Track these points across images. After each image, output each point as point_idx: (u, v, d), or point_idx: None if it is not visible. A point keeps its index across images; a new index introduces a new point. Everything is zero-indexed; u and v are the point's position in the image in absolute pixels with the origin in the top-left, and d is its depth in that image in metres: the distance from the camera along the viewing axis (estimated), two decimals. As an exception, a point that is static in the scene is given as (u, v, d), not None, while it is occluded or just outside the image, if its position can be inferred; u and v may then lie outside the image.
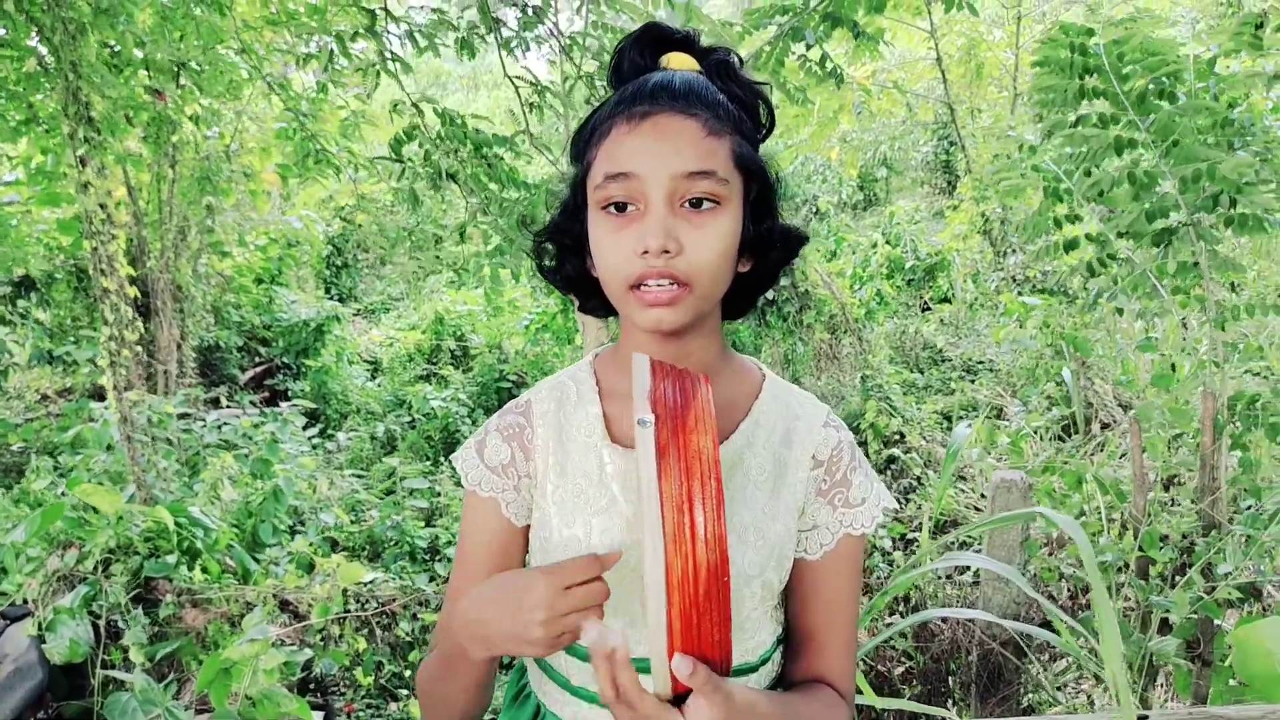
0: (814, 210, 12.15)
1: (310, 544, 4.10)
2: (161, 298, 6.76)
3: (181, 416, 5.58)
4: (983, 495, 4.63)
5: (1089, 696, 3.28)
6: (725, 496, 1.03)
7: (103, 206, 4.15)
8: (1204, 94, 2.66)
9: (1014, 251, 8.19)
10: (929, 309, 9.08)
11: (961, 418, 5.95)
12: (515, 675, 1.22)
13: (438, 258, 12.77)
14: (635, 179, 0.95)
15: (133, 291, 4.35)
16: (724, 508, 0.80)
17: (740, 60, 1.07)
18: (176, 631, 3.33)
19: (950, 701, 3.37)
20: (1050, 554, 3.71)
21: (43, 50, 4.53)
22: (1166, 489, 3.56)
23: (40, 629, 3.03)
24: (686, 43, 1.05)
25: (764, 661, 1.09)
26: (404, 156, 3.88)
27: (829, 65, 3.86)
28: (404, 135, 3.84)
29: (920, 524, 4.50)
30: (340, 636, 3.45)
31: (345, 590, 3.49)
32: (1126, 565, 2.89)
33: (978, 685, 3.29)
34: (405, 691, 3.53)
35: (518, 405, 1.14)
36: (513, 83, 3.90)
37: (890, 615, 3.74)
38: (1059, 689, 3.32)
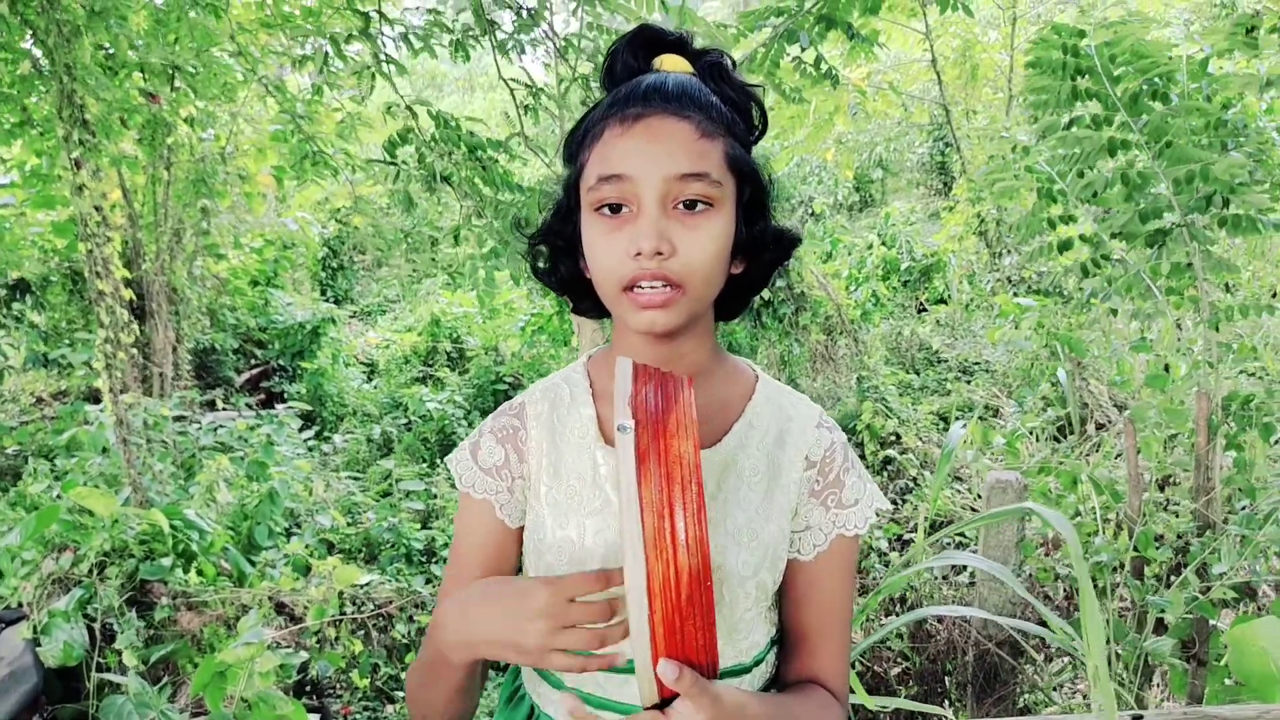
0: (810, 211, 12.16)
1: (306, 546, 4.10)
2: (157, 300, 6.75)
3: (177, 419, 5.57)
4: (978, 496, 4.63)
5: (1085, 696, 3.28)
6: (719, 498, 1.04)
7: (98, 209, 4.15)
8: (1197, 95, 2.66)
9: (1009, 252, 8.20)
10: (925, 310, 9.09)
11: (958, 419, 5.96)
12: (510, 677, 1.22)
13: (433, 260, 12.77)
14: (628, 181, 0.95)
15: (128, 294, 4.34)
16: (705, 512, 0.80)
17: (733, 62, 1.07)
18: (171, 634, 3.32)
19: (946, 702, 3.37)
20: (1046, 554, 3.71)
21: (37, 53, 4.52)
22: (1162, 489, 3.57)
23: (35, 632, 3.02)
24: (679, 45, 1.05)
25: (758, 662, 1.09)
26: (398, 159, 3.88)
27: (824, 66, 3.87)
28: (398, 138, 3.84)
29: (916, 525, 4.51)
30: (336, 639, 3.44)
31: (341, 592, 3.48)
32: (1122, 565, 2.90)
33: (974, 685, 3.30)
34: (402, 694, 3.52)
35: (511, 407, 1.14)
36: (508, 85, 3.90)
37: (886, 616, 3.74)
38: (1055, 689, 3.33)
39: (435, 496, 5.35)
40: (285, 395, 7.85)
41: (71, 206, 4.28)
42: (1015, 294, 7.27)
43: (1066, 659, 3.41)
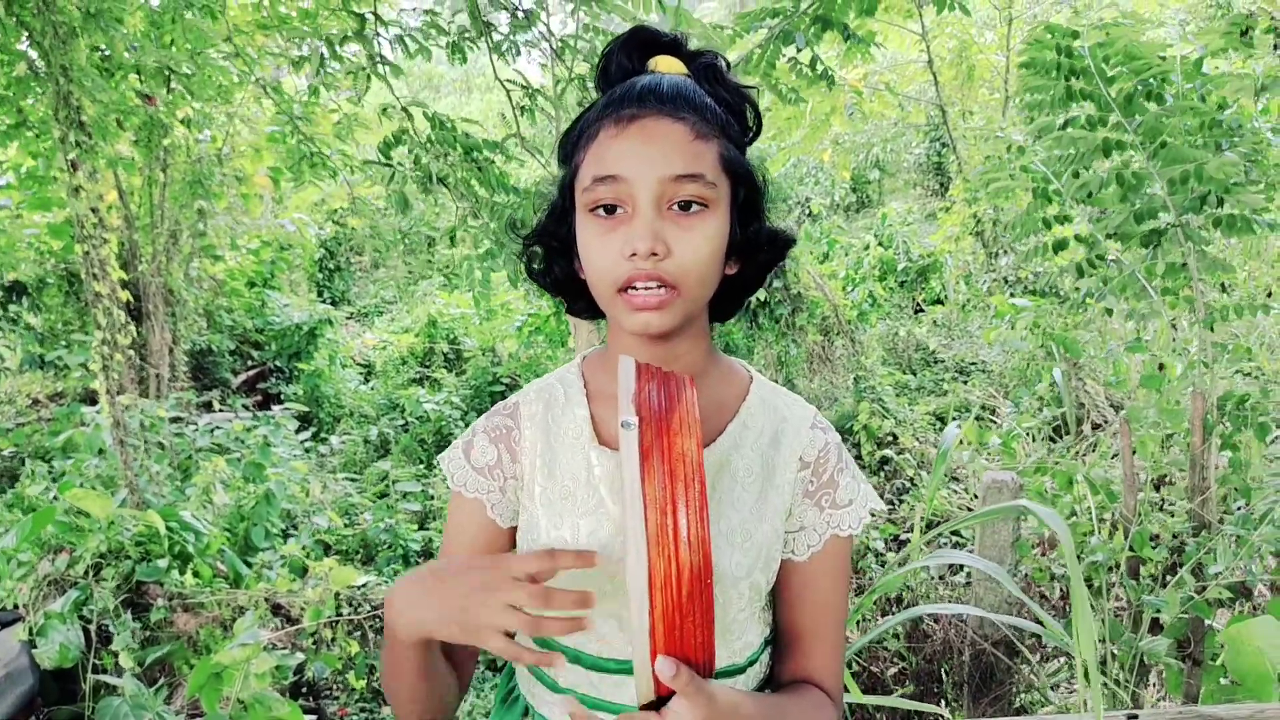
0: (807, 212, 12.16)
1: (303, 547, 4.10)
2: (153, 301, 6.74)
3: (173, 420, 5.57)
4: (975, 496, 4.64)
5: (1086, 702, 3.29)
6: (713, 498, 1.04)
7: (94, 210, 4.14)
8: (1191, 95, 2.67)
9: (1006, 253, 8.21)
10: (921, 310, 9.11)
11: (954, 419, 5.97)
12: (505, 677, 1.22)
13: (429, 262, 12.76)
14: (623, 182, 0.95)
15: (125, 295, 4.33)
16: (708, 510, 0.81)
17: (728, 64, 1.07)
18: (168, 636, 3.32)
19: (943, 701, 3.38)
20: (1043, 554, 3.72)
21: (33, 54, 4.52)
22: (1157, 489, 3.57)
23: (31, 634, 3.02)
24: (674, 46, 1.06)
25: (752, 663, 1.09)
26: (393, 160, 3.88)
27: (819, 67, 3.87)
28: (392, 139, 3.84)
29: (913, 525, 4.51)
30: (333, 640, 3.44)
31: (338, 594, 3.48)
32: (1117, 565, 2.90)
33: (970, 685, 3.30)
34: (398, 695, 3.52)
35: (505, 407, 1.14)
36: (504, 86, 3.90)
37: (883, 616, 3.74)
38: (1051, 689, 3.33)
39: (432, 498, 5.35)
40: (282, 396, 7.84)
41: (68, 208, 4.28)
42: (1011, 294, 7.28)
43: (1063, 659, 3.41)
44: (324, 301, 10.71)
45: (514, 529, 1.12)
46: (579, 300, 1.10)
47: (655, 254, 0.94)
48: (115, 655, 3.09)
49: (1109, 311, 3.44)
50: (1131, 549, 2.86)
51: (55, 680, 3.09)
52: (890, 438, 5.87)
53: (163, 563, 3.42)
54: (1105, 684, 2.71)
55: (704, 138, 0.97)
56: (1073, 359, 5.15)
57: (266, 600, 3.48)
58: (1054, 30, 2.78)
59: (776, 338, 7.20)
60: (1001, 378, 6.87)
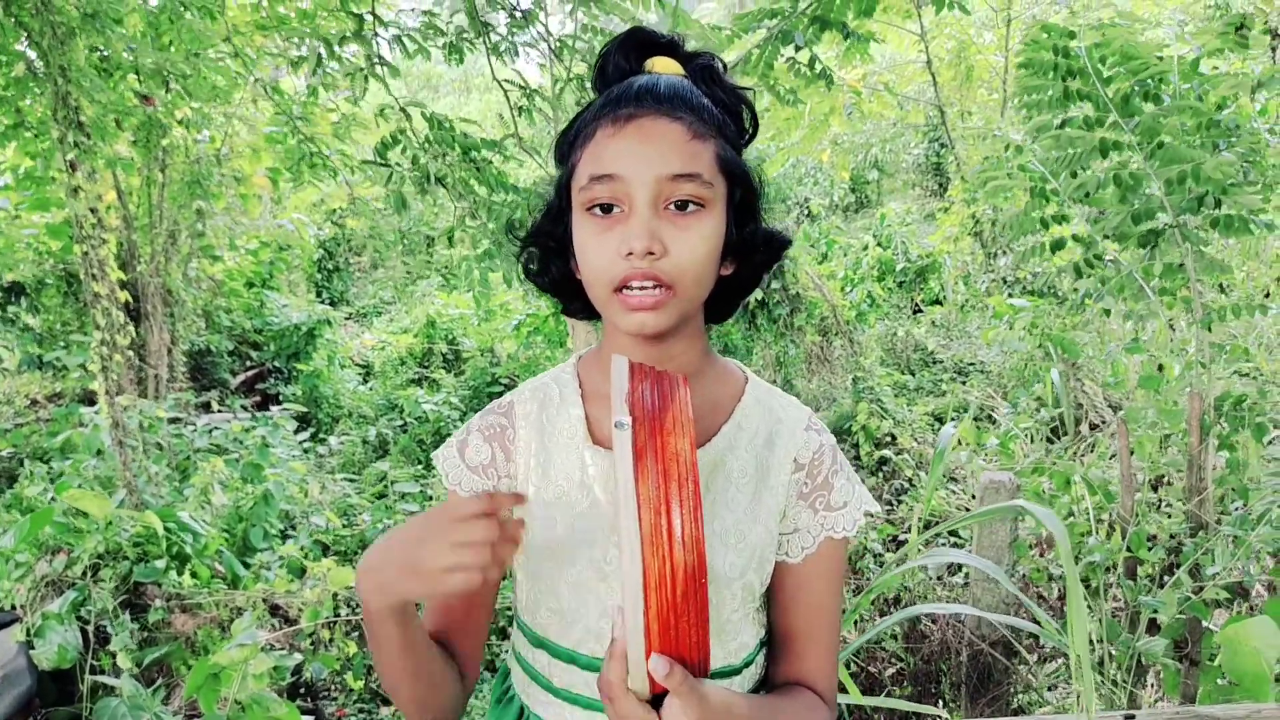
0: (806, 212, 12.17)
1: (301, 548, 4.09)
2: (152, 302, 6.74)
3: (172, 421, 5.57)
4: (973, 496, 4.64)
5: (1078, 696, 3.29)
6: (707, 499, 1.04)
7: (93, 211, 4.14)
8: (1189, 95, 2.67)
9: (1004, 253, 8.22)
10: (920, 311, 9.11)
11: (953, 419, 5.97)
12: (500, 677, 1.22)
13: (427, 263, 12.76)
14: (620, 181, 0.95)
15: (124, 296, 4.33)
16: (701, 510, 0.81)
17: (724, 65, 1.07)
18: (165, 637, 3.32)
19: (941, 702, 3.38)
20: (1040, 554, 3.72)
21: (32, 55, 4.52)
22: (1155, 490, 3.58)
23: (29, 634, 3.02)
24: (671, 47, 1.06)
25: (747, 664, 1.09)
26: (390, 161, 3.88)
27: (818, 66, 3.87)
28: (390, 139, 3.84)
29: (911, 525, 4.51)
30: (331, 641, 3.44)
31: (336, 595, 3.48)
32: (1115, 566, 2.90)
33: (968, 685, 3.30)
34: (396, 695, 3.52)
35: (500, 406, 1.15)
36: (501, 87, 3.90)
37: (881, 616, 3.74)
38: (1049, 689, 3.33)
39: (431, 498, 5.34)
40: (281, 397, 7.84)
41: (66, 208, 4.27)
42: (1010, 295, 7.28)
43: (1061, 659, 3.41)
44: (323, 302, 10.71)
45: None
46: (574, 300, 1.10)
47: (651, 253, 0.94)
48: (113, 656, 3.09)
49: (1107, 312, 3.45)
50: (1129, 549, 2.86)
51: (53, 681, 3.09)
52: (889, 438, 5.87)
53: (161, 563, 3.42)
54: (1103, 684, 2.71)
55: (701, 138, 0.97)
56: (1070, 359, 5.15)
57: (264, 601, 3.48)
58: (1051, 31, 2.78)
59: (775, 338, 7.21)
60: (1000, 378, 6.87)
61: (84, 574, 3.27)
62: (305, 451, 5.98)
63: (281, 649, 3.29)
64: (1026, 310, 5.18)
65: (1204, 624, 2.76)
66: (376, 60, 3.87)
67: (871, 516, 4.36)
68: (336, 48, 3.98)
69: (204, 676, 2.55)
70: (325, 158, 5.14)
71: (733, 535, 1.04)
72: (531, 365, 7.85)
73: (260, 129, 6.58)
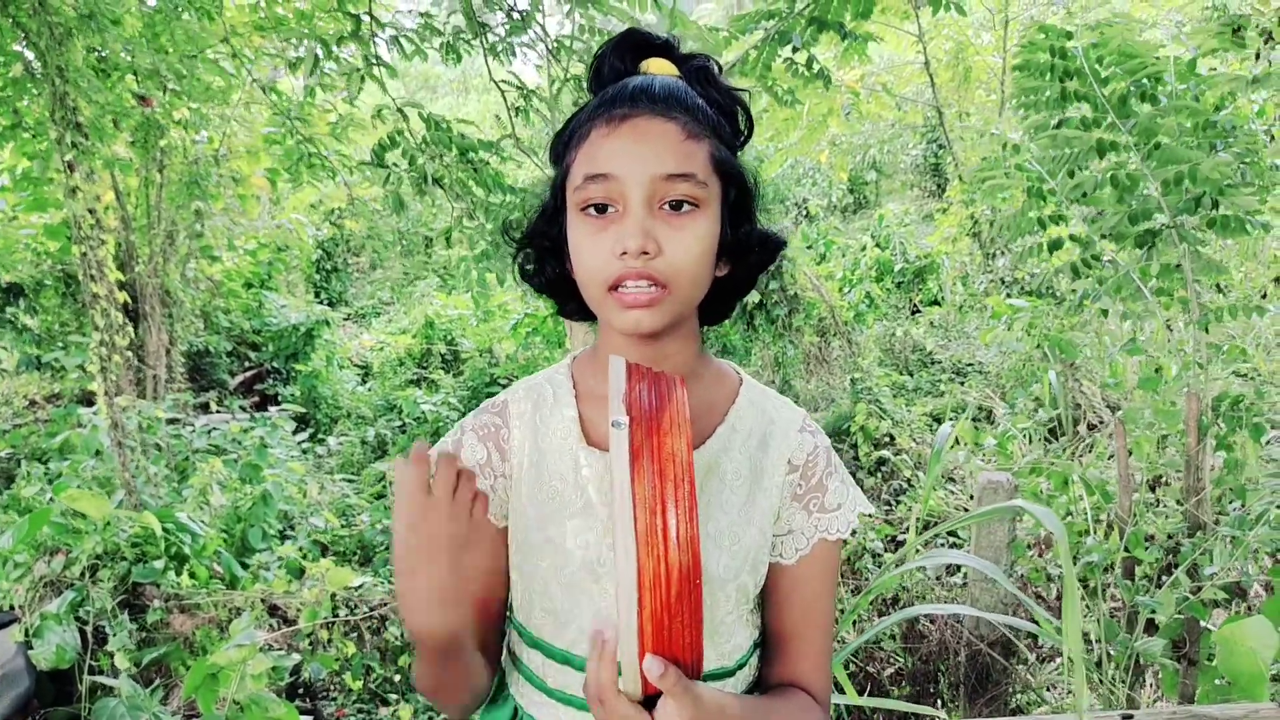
0: (804, 213, 12.18)
1: (299, 548, 4.09)
2: (150, 303, 6.74)
3: (170, 422, 5.57)
4: (971, 497, 4.64)
5: (1070, 690, 3.29)
6: (701, 501, 1.04)
7: (91, 211, 4.14)
8: (1185, 95, 2.67)
9: (1002, 254, 8.22)
10: (918, 311, 9.11)
11: (951, 420, 5.96)
12: (496, 677, 1.22)
13: (425, 263, 12.76)
14: (614, 180, 0.95)
15: (122, 297, 4.33)
16: (697, 510, 0.81)
17: (719, 67, 1.08)
18: (164, 637, 3.32)
19: (939, 702, 3.38)
20: (1039, 555, 3.72)
21: (29, 55, 4.52)
22: (1153, 490, 3.58)
23: (27, 635, 3.02)
24: (666, 48, 1.06)
25: (740, 666, 1.09)
26: (387, 162, 3.88)
27: (815, 67, 3.88)
28: (387, 140, 3.84)
29: (909, 525, 4.51)
30: (329, 641, 3.44)
31: (334, 595, 3.48)
32: (1112, 566, 2.91)
33: (966, 686, 3.30)
34: (395, 696, 3.52)
35: (494, 405, 1.15)
36: (499, 87, 3.90)
37: (879, 616, 3.74)
38: (1048, 689, 3.33)
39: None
40: (279, 398, 7.84)
41: (64, 209, 4.27)
42: (1008, 295, 7.28)
43: (1059, 659, 3.41)
44: (321, 302, 10.71)
45: (506, 529, 1.12)
46: (570, 301, 1.10)
47: (646, 252, 0.94)
48: (111, 656, 3.09)
49: (1104, 312, 3.45)
50: (1127, 550, 2.86)
51: (51, 681, 3.09)
52: (887, 438, 5.87)
53: (159, 564, 3.42)
54: (1101, 684, 2.72)
55: (695, 138, 0.98)
56: (1068, 360, 5.16)
57: (263, 601, 3.48)
58: (1048, 31, 2.78)
59: (773, 339, 7.21)
60: (998, 379, 6.88)
61: (82, 574, 3.27)
62: (304, 452, 5.98)
63: (280, 649, 3.29)
64: (1024, 311, 5.18)
65: (1202, 624, 2.76)
66: (374, 61, 3.87)
67: (870, 517, 4.37)
68: (334, 48, 3.98)
69: (202, 677, 2.55)
70: (323, 158, 5.14)
71: (726, 537, 1.04)
72: (530, 366, 7.85)
73: (258, 130, 6.58)
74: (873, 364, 6.78)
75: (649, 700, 0.82)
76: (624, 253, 0.94)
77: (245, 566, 3.83)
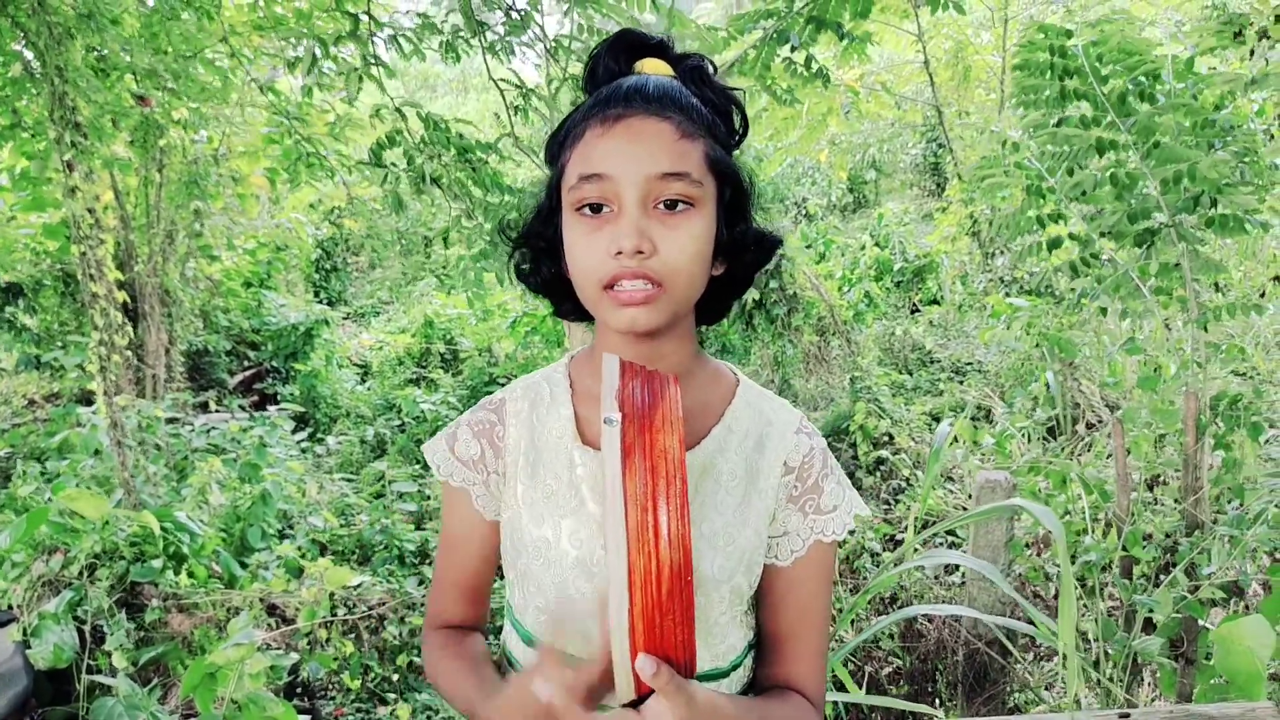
0: (803, 212, 12.18)
1: (298, 548, 4.09)
2: (149, 302, 6.74)
3: (170, 421, 5.57)
4: (969, 495, 4.64)
5: (1075, 695, 3.29)
6: (695, 501, 1.04)
7: (90, 211, 4.14)
8: (1184, 94, 2.67)
9: (1002, 253, 8.22)
10: (918, 311, 9.11)
11: (950, 419, 5.96)
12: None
13: (423, 264, 12.76)
14: (609, 180, 0.95)
15: (121, 296, 4.33)
16: (689, 508, 0.80)
17: (714, 66, 1.07)
18: (162, 636, 3.32)
19: (937, 701, 3.38)
20: (1037, 554, 3.72)
21: (28, 55, 4.52)
22: (1151, 489, 3.58)
23: (25, 634, 3.02)
24: (660, 48, 1.06)
25: (735, 667, 1.09)
26: (386, 161, 3.87)
27: (814, 66, 3.87)
28: (385, 140, 3.83)
29: (908, 525, 4.51)
30: (328, 640, 3.44)
31: (332, 594, 3.48)
32: (1110, 565, 2.91)
33: (964, 685, 3.31)
34: (394, 695, 3.52)
35: (491, 402, 1.15)
36: (498, 86, 3.89)
37: (877, 616, 3.74)
38: (1045, 688, 3.34)
39: (428, 498, 5.34)
40: (278, 397, 7.83)
41: (63, 209, 4.27)
42: (1008, 294, 7.28)
43: (1057, 659, 3.41)
44: (320, 302, 10.71)
45: (497, 523, 1.13)
46: (566, 301, 1.10)
47: (641, 252, 0.94)
48: (109, 655, 3.09)
49: (1103, 311, 3.45)
50: (1124, 549, 2.86)
51: (49, 680, 3.09)
52: (886, 438, 5.87)
53: (157, 563, 3.42)
54: (1098, 683, 2.72)
55: (690, 137, 0.97)
56: (1067, 359, 5.16)
57: (261, 601, 3.48)
58: (1047, 30, 2.78)
59: (773, 338, 7.21)
60: (997, 378, 6.88)
61: (80, 574, 3.27)
62: (303, 451, 5.98)
63: (278, 648, 3.29)
64: (1023, 310, 5.18)
65: (1200, 623, 2.76)
66: (372, 60, 3.87)
67: (871, 517, 4.37)
68: (332, 48, 3.97)
69: (200, 676, 2.55)
70: (322, 158, 5.14)
71: (721, 538, 1.04)
72: (529, 365, 7.85)
73: (258, 129, 6.58)
74: (872, 363, 6.78)
75: (642, 699, 0.82)
76: (619, 252, 0.94)
77: (244, 566, 3.83)
